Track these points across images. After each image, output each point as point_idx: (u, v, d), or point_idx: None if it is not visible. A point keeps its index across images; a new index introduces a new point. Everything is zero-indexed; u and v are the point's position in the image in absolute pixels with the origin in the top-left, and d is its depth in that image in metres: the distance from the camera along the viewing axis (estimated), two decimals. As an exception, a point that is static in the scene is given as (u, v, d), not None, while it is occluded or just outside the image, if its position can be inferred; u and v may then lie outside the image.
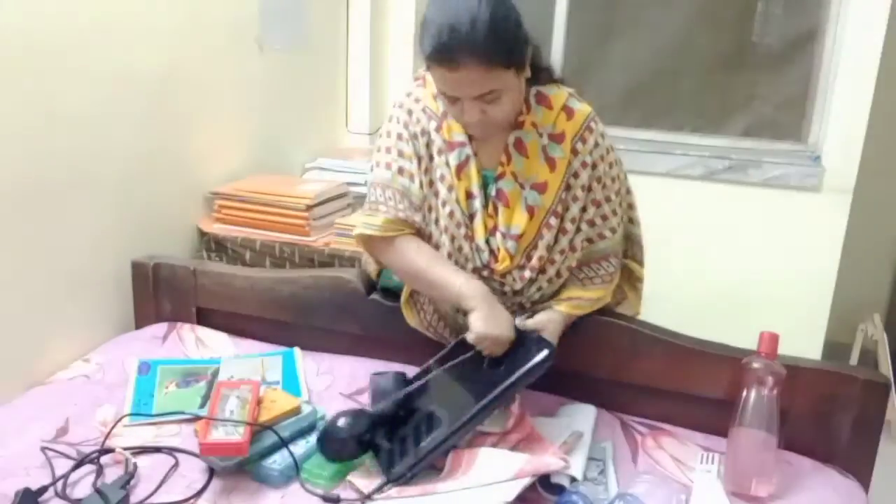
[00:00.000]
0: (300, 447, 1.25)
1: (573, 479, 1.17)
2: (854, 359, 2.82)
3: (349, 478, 1.19)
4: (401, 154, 1.34)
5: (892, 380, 2.17)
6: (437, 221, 1.35)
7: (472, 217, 1.33)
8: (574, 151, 1.31)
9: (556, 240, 1.34)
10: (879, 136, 2.42)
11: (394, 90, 2.74)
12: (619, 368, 1.44)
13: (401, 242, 1.34)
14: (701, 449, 1.32)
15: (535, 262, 1.33)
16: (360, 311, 1.57)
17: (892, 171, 2.80)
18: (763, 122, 2.64)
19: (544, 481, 1.17)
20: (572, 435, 1.24)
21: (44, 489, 1.14)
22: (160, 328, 1.67)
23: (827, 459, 1.32)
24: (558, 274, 1.37)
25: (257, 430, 1.21)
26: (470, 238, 1.34)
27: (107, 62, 1.58)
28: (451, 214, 1.33)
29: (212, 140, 1.98)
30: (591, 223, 1.36)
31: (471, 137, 1.31)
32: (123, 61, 1.63)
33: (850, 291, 2.62)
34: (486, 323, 1.23)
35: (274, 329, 1.65)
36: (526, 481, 1.12)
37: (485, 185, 1.33)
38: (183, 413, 1.37)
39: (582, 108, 1.33)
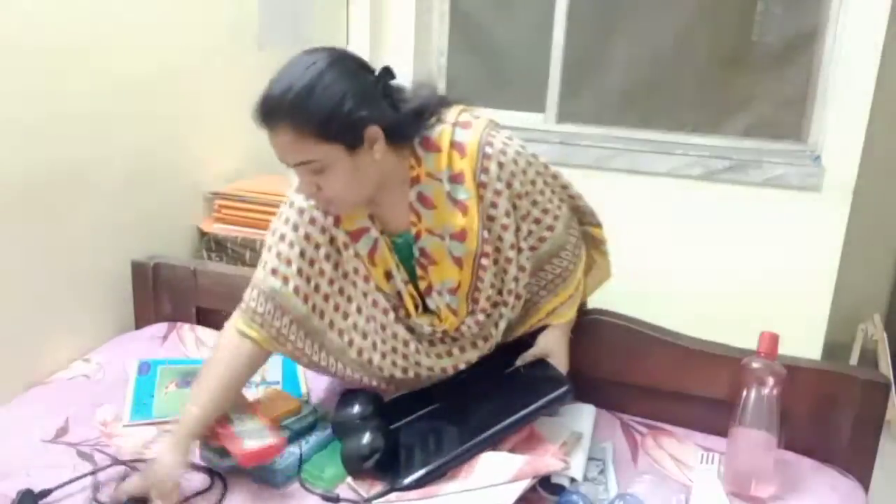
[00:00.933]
0: (313, 440, 1.26)
1: (573, 480, 1.17)
2: (854, 359, 2.82)
3: (348, 479, 1.19)
4: (278, 256, 1.26)
5: (892, 380, 2.17)
6: (345, 317, 1.29)
7: (399, 296, 1.28)
8: (481, 186, 1.21)
9: (502, 273, 1.27)
10: (879, 136, 2.42)
11: (394, 90, 2.74)
12: (619, 368, 1.43)
13: (233, 338, 1.27)
14: (701, 449, 1.32)
15: (483, 303, 1.27)
16: (360, 311, 1.56)
17: (892, 171, 2.80)
18: (763, 122, 2.63)
19: (544, 481, 1.17)
20: (572, 435, 1.24)
21: (47, 491, 1.14)
22: (160, 328, 1.67)
23: (827, 459, 1.32)
24: (517, 296, 1.31)
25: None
26: (405, 317, 1.29)
27: (107, 62, 1.58)
28: (374, 303, 1.27)
29: (212, 140, 1.97)
30: (529, 234, 1.28)
31: (371, 216, 1.26)
32: (123, 61, 1.63)
33: (850, 291, 2.62)
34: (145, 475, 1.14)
35: (274, 329, 1.64)
36: (526, 483, 1.12)
37: (404, 258, 1.28)
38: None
39: (471, 139, 1.22)
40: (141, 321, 1.72)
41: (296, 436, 1.27)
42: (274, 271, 1.26)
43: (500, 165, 1.21)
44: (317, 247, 1.26)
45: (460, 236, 1.23)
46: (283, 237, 1.27)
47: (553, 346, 1.33)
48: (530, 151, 1.27)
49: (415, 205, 1.23)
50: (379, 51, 2.67)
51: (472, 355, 1.33)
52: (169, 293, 1.70)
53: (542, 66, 2.70)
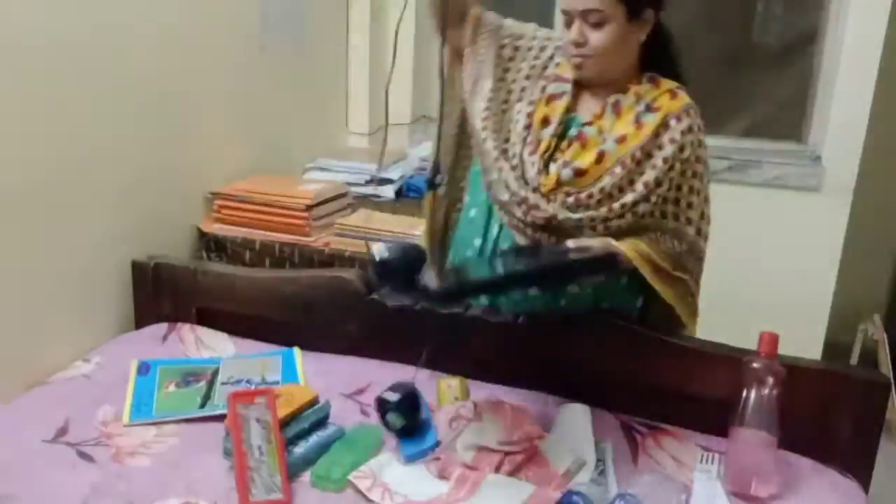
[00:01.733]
0: (314, 440, 1.26)
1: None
2: (854, 359, 2.82)
3: (350, 477, 1.19)
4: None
5: (892, 380, 2.17)
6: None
7: (536, 142, 1.38)
8: (665, 125, 1.33)
9: (618, 194, 1.32)
10: (879, 136, 2.42)
11: (394, 90, 2.74)
12: (619, 368, 1.43)
13: None
14: (701, 449, 1.32)
15: (584, 196, 1.32)
16: (360, 311, 1.57)
17: (892, 171, 2.80)
18: (763, 122, 2.64)
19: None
20: (575, 462, 1.24)
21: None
22: (160, 328, 1.67)
23: (827, 459, 1.32)
24: (606, 221, 1.32)
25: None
26: (530, 152, 1.37)
27: (107, 62, 1.58)
28: (517, 123, 1.40)
29: (212, 140, 1.98)
30: (660, 198, 1.33)
31: (576, 86, 1.38)
32: (123, 61, 1.63)
33: (850, 291, 2.62)
34: None
35: (274, 329, 1.64)
36: None
37: (566, 128, 1.38)
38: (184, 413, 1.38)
39: (685, 99, 1.37)
40: (141, 321, 1.72)
41: (314, 427, 1.28)
42: None
43: (690, 129, 1.34)
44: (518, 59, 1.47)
45: (621, 139, 1.32)
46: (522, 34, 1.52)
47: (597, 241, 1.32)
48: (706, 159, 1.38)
49: (607, 106, 1.36)
50: (379, 51, 2.67)
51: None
52: (169, 293, 1.70)
53: (542, 67, 2.70)
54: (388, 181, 2.25)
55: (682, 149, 1.33)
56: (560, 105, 1.38)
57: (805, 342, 2.36)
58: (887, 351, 2.68)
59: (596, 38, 1.30)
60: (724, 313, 2.55)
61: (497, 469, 1.20)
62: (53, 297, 1.53)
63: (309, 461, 1.23)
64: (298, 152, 2.37)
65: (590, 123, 1.37)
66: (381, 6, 2.64)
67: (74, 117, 1.52)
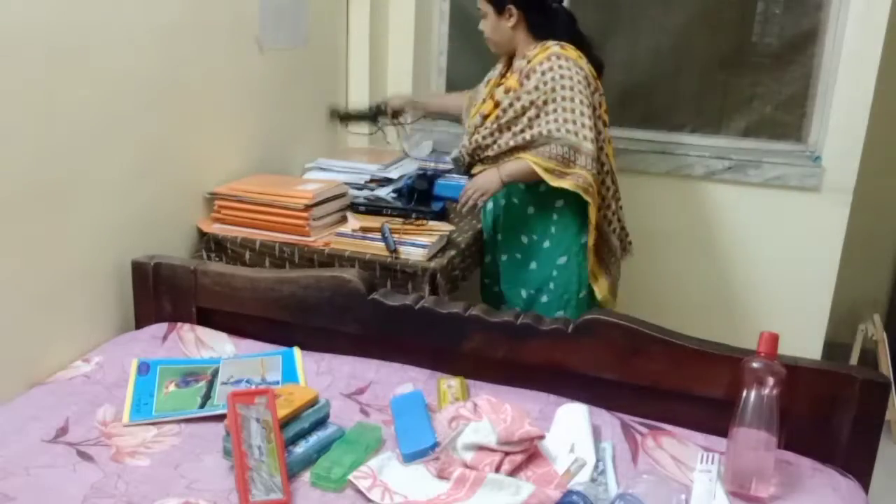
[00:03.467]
0: (314, 440, 1.26)
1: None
2: (854, 359, 2.82)
3: (350, 477, 1.19)
4: None
5: (892, 380, 2.17)
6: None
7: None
8: (532, 70, 1.92)
9: (505, 122, 1.99)
10: (879, 136, 2.42)
11: (394, 89, 2.74)
12: (619, 368, 1.44)
13: None
14: (701, 449, 1.32)
15: (486, 128, 2.03)
16: (360, 311, 1.57)
17: (892, 171, 2.80)
18: (763, 122, 2.64)
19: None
20: (575, 463, 1.24)
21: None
22: (160, 328, 1.67)
23: (827, 459, 1.32)
24: (497, 139, 2.01)
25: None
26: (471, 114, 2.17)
27: (106, 62, 1.58)
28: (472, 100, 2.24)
29: (212, 140, 1.97)
30: (539, 115, 1.92)
31: (507, 61, 2.12)
32: (123, 61, 1.63)
33: (850, 291, 2.62)
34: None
35: (274, 329, 1.65)
36: None
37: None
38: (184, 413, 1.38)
39: (553, 48, 1.92)
40: (141, 321, 1.72)
41: (314, 426, 1.28)
42: None
43: (549, 69, 1.90)
44: None
45: (506, 90, 1.99)
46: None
47: (472, 181, 2.02)
48: (577, 76, 1.90)
49: (511, 69, 2.05)
50: (379, 51, 2.67)
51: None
52: (169, 293, 1.70)
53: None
54: (388, 181, 2.25)
55: (542, 82, 1.89)
56: (492, 80, 2.12)
57: (805, 342, 2.37)
58: (887, 351, 2.68)
59: (484, 27, 2.03)
60: (724, 313, 2.56)
61: (497, 469, 1.20)
62: (53, 297, 1.53)
63: (309, 461, 1.23)
64: (298, 152, 2.37)
65: (501, 84, 2.04)
66: (381, 5, 2.64)
67: (74, 117, 1.52)
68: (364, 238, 1.87)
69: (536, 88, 1.90)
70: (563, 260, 2.03)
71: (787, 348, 1.28)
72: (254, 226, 1.91)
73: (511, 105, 1.95)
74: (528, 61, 1.94)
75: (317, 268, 1.82)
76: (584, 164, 1.88)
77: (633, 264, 2.60)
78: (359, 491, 1.17)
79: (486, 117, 2.02)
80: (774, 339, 1.25)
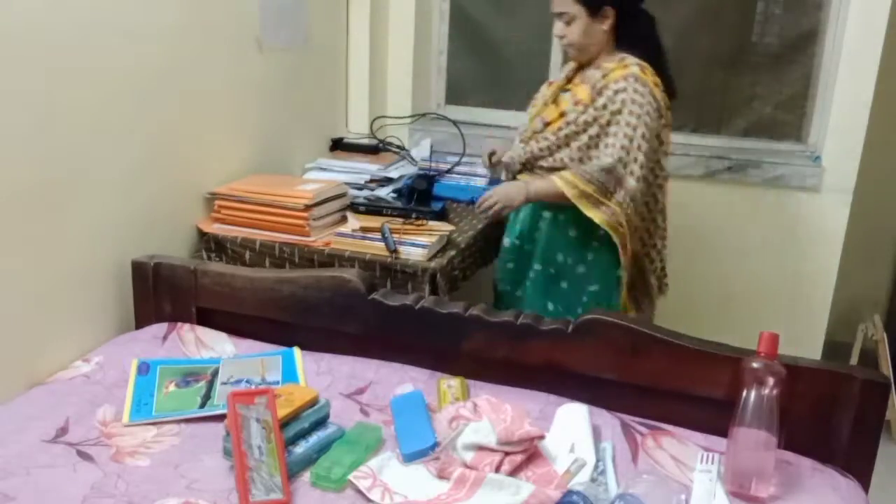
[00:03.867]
0: (314, 440, 1.26)
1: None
2: (854, 359, 2.82)
3: (350, 477, 1.19)
4: None
5: (892, 380, 2.17)
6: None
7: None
8: (606, 87, 1.82)
9: (567, 139, 1.88)
10: (879, 136, 2.42)
11: (393, 89, 2.75)
12: (619, 368, 1.44)
13: None
14: (701, 449, 1.32)
15: (546, 136, 1.92)
16: (360, 311, 1.57)
17: (892, 171, 2.80)
18: (763, 122, 2.64)
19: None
20: (575, 463, 1.24)
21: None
22: (160, 328, 1.67)
23: (827, 459, 1.32)
24: (551, 148, 1.91)
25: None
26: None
27: (106, 61, 1.58)
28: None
29: (212, 140, 1.97)
30: (598, 135, 1.83)
31: (577, 66, 1.97)
32: (123, 60, 1.63)
33: (850, 291, 2.62)
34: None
35: (274, 329, 1.65)
36: None
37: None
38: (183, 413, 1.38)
39: (632, 69, 1.80)
40: (141, 321, 1.72)
41: (312, 427, 1.28)
42: None
43: (622, 90, 1.79)
44: None
45: (576, 102, 1.89)
46: None
47: (498, 188, 1.92)
48: (648, 107, 1.78)
49: (582, 77, 1.93)
50: (379, 51, 2.67)
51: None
52: (169, 293, 1.69)
53: (542, 66, 2.71)
54: (389, 181, 2.25)
55: (612, 101, 1.80)
56: (556, 84, 2.00)
57: (805, 342, 2.37)
58: (887, 351, 2.68)
59: (569, 31, 1.85)
60: (724, 313, 2.56)
61: (497, 469, 1.20)
62: (53, 297, 1.53)
63: (309, 461, 1.23)
64: (298, 152, 2.37)
65: (567, 90, 1.94)
66: (381, 6, 2.64)
67: (74, 117, 1.52)
68: (364, 238, 1.87)
69: (605, 107, 1.80)
70: (594, 288, 1.93)
71: (787, 348, 1.28)
72: (254, 226, 1.91)
73: (576, 119, 1.85)
74: (604, 75, 1.83)
75: (317, 268, 1.82)
76: (622, 200, 1.77)
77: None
78: (359, 491, 1.17)
79: (547, 124, 1.92)
80: (774, 339, 1.25)
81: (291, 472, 1.20)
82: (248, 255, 1.89)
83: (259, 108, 2.16)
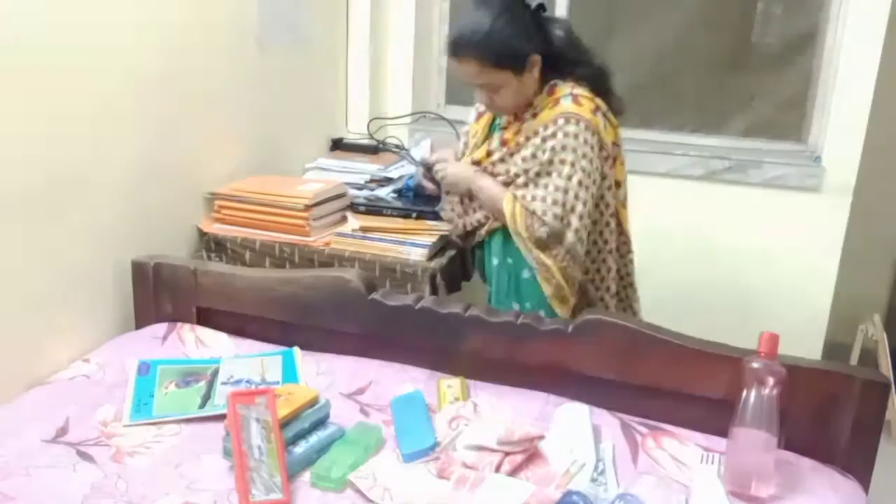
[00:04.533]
0: (314, 440, 1.26)
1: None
2: (854, 359, 2.82)
3: (350, 477, 1.19)
4: None
5: (892, 380, 2.17)
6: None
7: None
8: (535, 132, 1.63)
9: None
10: (879, 136, 2.42)
11: (394, 90, 2.74)
12: (619, 368, 1.44)
13: None
14: (701, 449, 1.32)
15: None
16: (360, 311, 1.57)
17: (892, 171, 2.80)
18: (763, 122, 2.64)
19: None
20: (575, 463, 1.24)
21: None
22: (160, 328, 1.67)
23: (827, 459, 1.32)
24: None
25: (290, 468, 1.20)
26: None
27: (106, 62, 1.58)
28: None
29: (212, 140, 1.97)
30: (526, 185, 1.63)
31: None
32: (123, 61, 1.63)
33: (850, 291, 2.62)
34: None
35: (274, 329, 1.65)
36: None
37: (492, 129, 1.80)
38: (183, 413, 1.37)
39: (565, 106, 1.60)
40: (141, 321, 1.72)
41: (314, 426, 1.29)
42: None
43: (552, 136, 1.60)
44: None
45: (503, 143, 1.70)
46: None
47: (452, 167, 1.78)
48: (582, 148, 1.59)
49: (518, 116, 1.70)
50: (379, 51, 2.67)
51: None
52: (169, 293, 1.70)
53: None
54: (389, 181, 2.25)
55: (542, 150, 1.61)
56: (483, 118, 1.80)
57: (805, 342, 2.36)
58: (887, 351, 2.68)
59: (499, 100, 1.64)
60: (724, 313, 2.56)
61: (497, 469, 1.20)
62: (53, 297, 1.53)
63: (309, 461, 1.23)
64: (298, 152, 2.37)
65: (505, 128, 1.71)
66: (381, 6, 2.64)
67: (73, 117, 1.52)
68: (364, 238, 1.87)
69: (533, 157, 1.62)
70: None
71: (787, 348, 1.28)
72: (254, 226, 1.91)
73: (506, 170, 1.67)
74: (535, 115, 1.64)
75: (317, 268, 1.82)
76: (557, 255, 1.61)
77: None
78: (359, 491, 1.17)
79: (477, 163, 1.73)
80: (774, 339, 1.25)
81: (291, 472, 1.20)
82: (248, 255, 1.89)
83: (259, 108, 2.16)
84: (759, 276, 2.53)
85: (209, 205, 1.96)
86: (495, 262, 1.76)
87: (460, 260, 1.95)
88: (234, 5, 2.00)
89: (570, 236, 1.60)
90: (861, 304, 2.90)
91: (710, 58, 2.68)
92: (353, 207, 2.08)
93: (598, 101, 1.64)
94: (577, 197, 1.59)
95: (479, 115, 1.82)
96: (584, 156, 1.58)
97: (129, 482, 1.19)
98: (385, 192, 2.17)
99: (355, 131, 2.65)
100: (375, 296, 1.56)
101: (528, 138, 1.64)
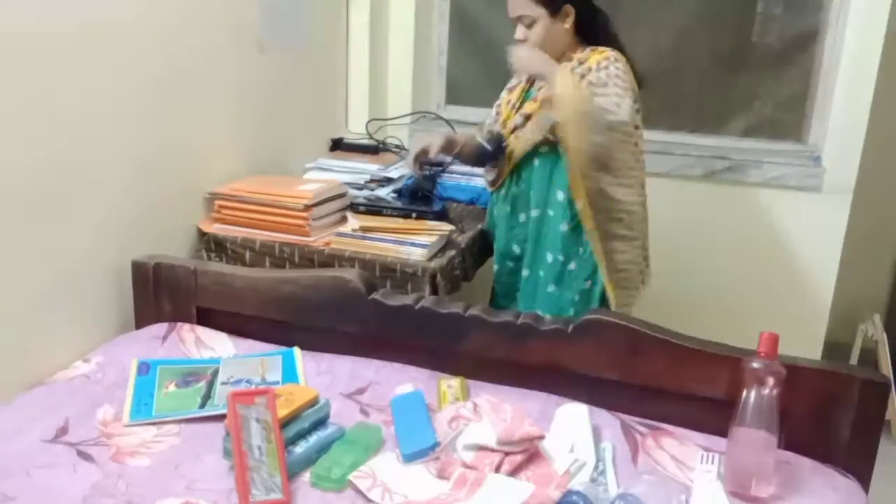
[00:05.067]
0: (314, 440, 1.26)
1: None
2: (854, 359, 2.82)
3: (350, 477, 1.19)
4: None
5: (892, 380, 2.17)
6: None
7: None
8: (588, 69, 1.80)
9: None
10: (879, 136, 2.42)
11: (394, 90, 2.74)
12: (619, 368, 1.44)
13: None
14: (701, 449, 1.32)
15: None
16: (360, 311, 1.57)
17: (892, 171, 2.80)
18: (763, 122, 2.64)
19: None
20: (575, 463, 1.24)
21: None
22: (160, 328, 1.67)
23: (827, 459, 1.32)
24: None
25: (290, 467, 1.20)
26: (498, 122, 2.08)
27: (106, 62, 1.58)
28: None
29: (212, 140, 1.97)
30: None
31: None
32: (123, 61, 1.63)
33: (850, 291, 2.62)
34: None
35: (274, 329, 1.65)
36: None
37: (524, 101, 1.99)
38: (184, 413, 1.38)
39: (607, 52, 1.82)
40: (141, 321, 1.72)
41: (314, 426, 1.29)
42: None
43: (603, 67, 1.79)
44: None
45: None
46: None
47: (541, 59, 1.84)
48: (631, 83, 1.80)
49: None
50: (379, 51, 2.67)
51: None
52: (169, 293, 1.70)
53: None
54: (389, 181, 2.25)
55: (596, 77, 1.77)
56: (519, 86, 2.00)
57: (805, 342, 2.37)
58: (887, 351, 2.68)
59: (532, 34, 1.83)
60: (724, 313, 2.56)
61: (497, 469, 1.20)
62: (54, 297, 1.53)
63: (309, 461, 1.23)
64: (298, 152, 2.37)
65: (536, 98, 1.90)
66: (381, 6, 2.64)
67: (73, 117, 1.52)
68: (364, 238, 1.87)
69: (590, 84, 1.76)
70: (587, 285, 1.89)
71: (787, 348, 1.28)
72: (254, 226, 1.90)
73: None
74: (581, 62, 1.82)
75: (317, 268, 1.82)
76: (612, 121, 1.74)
77: (633, 264, 2.60)
78: (359, 491, 1.17)
79: (528, 117, 1.89)
80: (774, 339, 1.25)
81: (291, 472, 1.20)
82: (248, 255, 1.89)
83: (259, 109, 2.16)
84: (758, 276, 2.54)
85: (209, 205, 1.96)
86: (534, 213, 1.92)
87: (460, 260, 1.95)
88: (235, 6, 2.00)
89: (608, 116, 1.72)
90: (861, 304, 2.90)
91: (710, 58, 2.68)
92: (353, 207, 2.08)
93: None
94: (628, 109, 1.74)
95: (511, 89, 2.03)
96: (633, 90, 1.79)
97: (129, 482, 1.19)
98: (385, 192, 2.17)
99: (355, 131, 2.65)
100: (375, 296, 1.56)
101: (582, 76, 1.78)
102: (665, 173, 2.55)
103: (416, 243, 1.84)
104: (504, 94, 2.06)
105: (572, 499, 1.12)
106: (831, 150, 2.40)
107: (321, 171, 2.31)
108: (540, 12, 1.80)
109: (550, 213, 1.90)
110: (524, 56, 1.84)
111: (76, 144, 1.53)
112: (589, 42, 1.87)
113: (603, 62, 1.79)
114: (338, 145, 2.55)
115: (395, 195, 2.15)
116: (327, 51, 2.52)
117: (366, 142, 2.57)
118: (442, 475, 1.21)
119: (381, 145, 2.53)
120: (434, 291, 1.78)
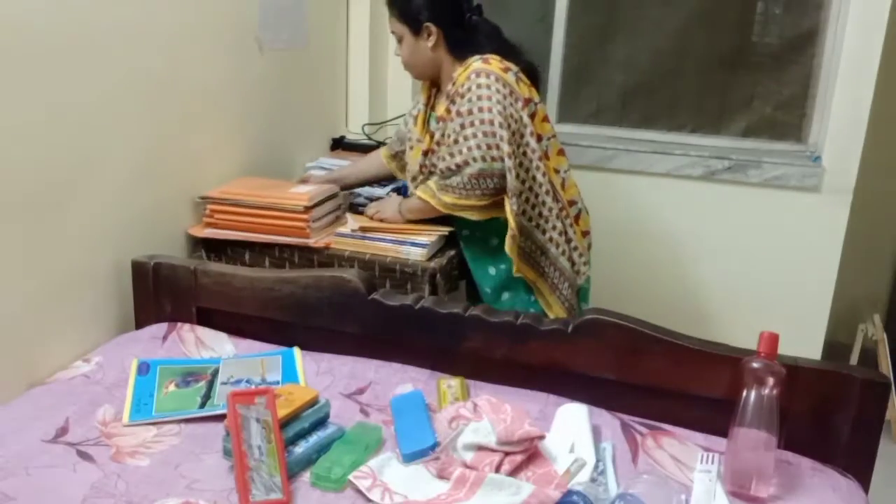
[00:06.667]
0: (314, 440, 1.26)
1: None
2: (854, 359, 2.82)
3: (350, 477, 1.19)
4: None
5: (892, 380, 2.17)
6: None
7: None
8: (459, 94, 1.79)
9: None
10: (879, 136, 2.42)
11: (394, 90, 2.74)
12: (619, 368, 1.44)
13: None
14: (701, 449, 1.32)
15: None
16: (360, 311, 1.57)
17: (892, 171, 2.80)
18: (763, 122, 2.64)
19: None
20: (575, 463, 1.24)
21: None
22: (160, 328, 1.67)
23: (827, 459, 1.32)
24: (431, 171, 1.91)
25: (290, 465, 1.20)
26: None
27: (106, 62, 1.58)
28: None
29: (213, 140, 1.97)
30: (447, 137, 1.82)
31: (432, 86, 1.99)
32: (123, 62, 1.63)
33: (850, 291, 2.62)
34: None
35: (274, 329, 1.65)
36: None
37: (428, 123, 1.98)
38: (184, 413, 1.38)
39: (475, 64, 1.78)
40: (141, 321, 1.72)
41: (314, 426, 1.29)
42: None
43: (468, 90, 1.77)
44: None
45: (439, 119, 1.86)
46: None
47: (381, 207, 1.98)
48: (497, 95, 1.74)
49: (441, 95, 1.91)
50: (379, 50, 2.67)
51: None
52: (169, 293, 1.70)
53: (542, 66, 2.70)
54: (389, 181, 2.25)
55: (462, 106, 1.77)
56: (419, 114, 1.98)
57: (805, 342, 2.37)
58: (887, 351, 2.68)
59: (400, 50, 1.89)
60: (724, 313, 2.56)
61: (497, 469, 1.20)
62: (53, 297, 1.53)
63: (309, 461, 1.23)
64: (299, 152, 2.37)
65: (432, 113, 1.94)
66: (381, 6, 2.64)
67: (73, 117, 1.52)
68: (364, 238, 1.86)
69: (459, 115, 1.77)
70: (506, 296, 1.91)
71: (787, 348, 1.28)
72: (249, 229, 1.88)
73: (443, 135, 1.83)
74: (454, 83, 1.81)
75: (317, 268, 1.82)
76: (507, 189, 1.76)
77: (632, 265, 2.61)
78: (359, 491, 1.17)
79: (426, 154, 1.91)
80: (774, 339, 1.25)
81: (291, 472, 1.20)
82: (247, 255, 1.89)
83: (260, 109, 2.16)
84: (759, 276, 2.54)
85: (201, 209, 1.92)
86: (465, 232, 1.94)
87: (459, 260, 1.95)
88: (235, 7, 2.00)
89: (507, 162, 1.74)
90: (861, 304, 2.90)
91: (710, 58, 2.69)
92: (353, 207, 2.07)
93: (509, 63, 1.81)
94: (501, 137, 1.73)
95: (415, 118, 2.00)
96: (499, 102, 1.74)
97: (129, 482, 1.19)
98: (385, 192, 2.17)
99: (355, 131, 2.65)
100: (375, 296, 1.56)
101: (453, 101, 1.80)
102: (665, 173, 2.56)
103: (415, 243, 1.84)
104: (410, 123, 2.03)
105: (572, 499, 1.12)
106: (831, 150, 2.40)
107: (322, 170, 2.31)
108: (403, 30, 1.85)
109: (477, 234, 1.92)
110: (374, 216, 1.96)
111: (76, 145, 1.53)
112: (466, 55, 1.83)
113: (465, 83, 1.77)
114: (339, 144, 2.55)
115: (394, 195, 2.15)
116: (327, 51, 2.52)
117: (366, 141, 2.57)
118: (442, 475, 1.21)
119: (381, 145, 2.53)
120: (433, 291, 1.78)
